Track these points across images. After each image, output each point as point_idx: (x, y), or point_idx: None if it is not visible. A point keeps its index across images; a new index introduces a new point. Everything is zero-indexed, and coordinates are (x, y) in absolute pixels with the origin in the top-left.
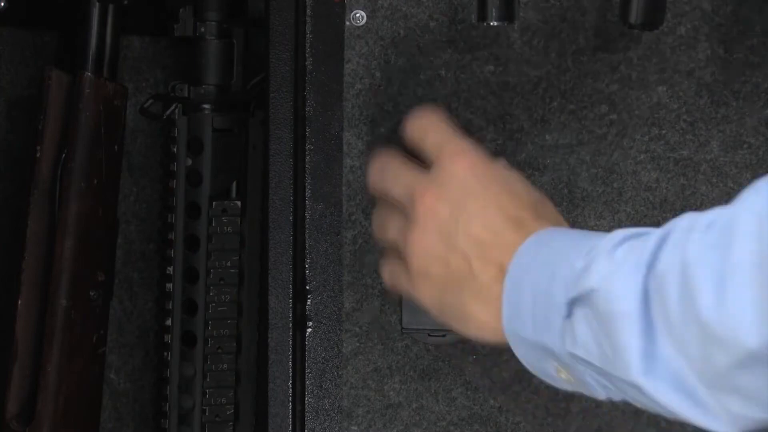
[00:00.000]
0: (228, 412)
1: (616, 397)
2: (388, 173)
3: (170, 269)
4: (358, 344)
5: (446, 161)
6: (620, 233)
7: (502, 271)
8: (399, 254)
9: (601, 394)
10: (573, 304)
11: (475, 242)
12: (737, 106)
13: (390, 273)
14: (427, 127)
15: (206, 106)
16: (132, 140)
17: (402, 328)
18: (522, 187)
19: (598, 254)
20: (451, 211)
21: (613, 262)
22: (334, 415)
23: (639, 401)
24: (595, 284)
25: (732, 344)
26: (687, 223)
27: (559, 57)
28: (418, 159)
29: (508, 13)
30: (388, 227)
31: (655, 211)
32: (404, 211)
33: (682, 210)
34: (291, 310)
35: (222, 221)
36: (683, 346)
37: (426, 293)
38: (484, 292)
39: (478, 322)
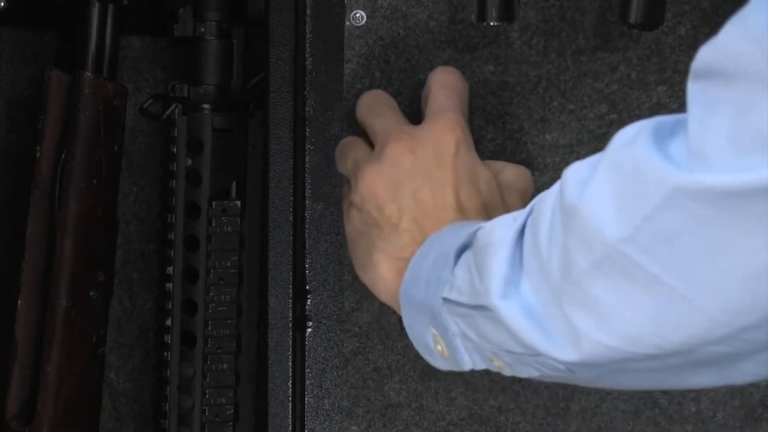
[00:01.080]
0: (228, 413)
1: (480, 362)
2: (376, 108)
3: (170, 269)
4: (358, 344)
5: (439, 125)
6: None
7: (424, 239)
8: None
9: (467, 362)
10: (461, 251)
11: (417, 204)
12: None
13: (342, 193)
14: (442, 85)
15: (206, 106)
16: (132, 140)
17: (402, 327)
18: (487, 187)
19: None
20: (413, 167)
21: (504, 217)
22: (334, 415)
23: (495, 344)
24: (482, 227)
25: (593, 238)
26: None
27: (558, 57)
28: None
29: (507, 13)
30: (349, 154)
31: None
32: (374, 146)
33: None
34: (291, 310)
35: (222, 221)
36: (545, 264)
37: (351, 226)
38: (397, 250)
39: (379, 273)
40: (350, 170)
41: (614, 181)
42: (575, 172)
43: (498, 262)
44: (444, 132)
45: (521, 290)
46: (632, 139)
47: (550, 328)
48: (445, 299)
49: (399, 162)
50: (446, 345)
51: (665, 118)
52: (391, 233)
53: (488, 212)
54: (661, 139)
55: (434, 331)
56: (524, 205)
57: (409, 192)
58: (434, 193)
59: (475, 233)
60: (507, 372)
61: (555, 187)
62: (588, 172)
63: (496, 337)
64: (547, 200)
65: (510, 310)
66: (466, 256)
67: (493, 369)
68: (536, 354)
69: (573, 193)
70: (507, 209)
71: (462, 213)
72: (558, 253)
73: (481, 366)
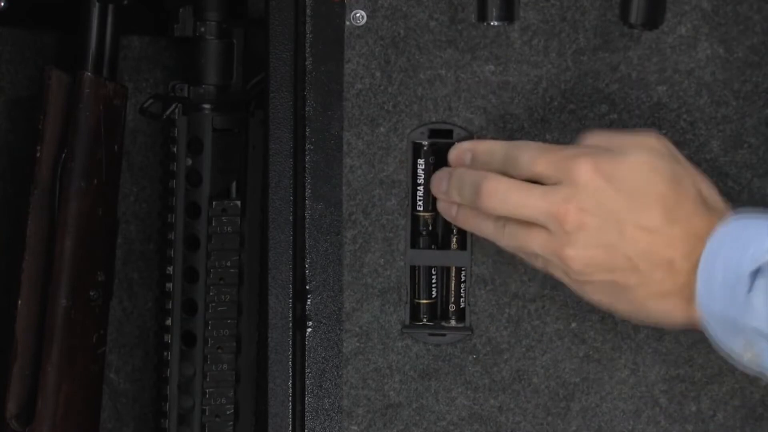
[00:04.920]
0: (228, 412)
1: None
2: (511, 196)
3: (170, 269)
4: (358, 344)
5: (566, 177)
6: None
7: (671, 266)
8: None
9: None
10: (755, 275)
11: (635, 247)
12: (737, 105)
13: (549, 269)
14: (526, 155)
15: (206, 105)
16: (132, 140)
17: (402, 327)
18: (661, 175)
19: None
20: (601, 222)
21: None
22: (334, 414)
23: None
24: None
25: None
26: None
27: (559, 56)
28: None
29: (508, 13)
30: (530, 243)
31: None
32: (547, 228)
33: None
34: (291, 310)
35: (222, 221)
36: None
37: (594, 296)
38: (658, 288)
39: (658, 313)
40: (547, 255)
41: None
42: None
43: None
44: (574, 174)
45: None
46: None
47: None
48: (754, 329)
49: (587, 228)
50: (756, 356)
51: None
52: (639, 283)
53: (702, 199)
54: None
55: (743, 342)
56: None
57: (619, 243)
58: (639, 226)
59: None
60: None
61: None
62: None
63: None
64: None
65: None
66: (763, 283)
67: None
68: None
69: None
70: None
71: (678, 221)
72: None
73: None
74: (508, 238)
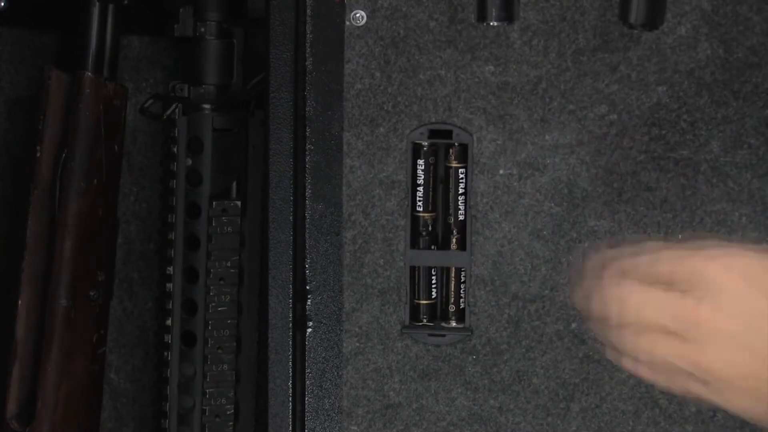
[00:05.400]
0: (228, 412)
1: None
2: (640, 304)
3: (170, 269)
4: (357, 344)
5: (696, 277)
6: None
7: None
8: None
9: None
10: None
11: None
12: (737, 106)
13: (687, 390)
14: (648, 258)
15: (206, 105)
16: (132, 140)
17: (402, 328)
18: None
19: None
20: (737, 322)
21: None
22: (334, 415)
23: None
24: None
25: None
26: None
27: (558, 57)
28: None
29: (507, 13)
30: (662, 352)
31: (655, 212)
32: (679, 334)
33: (682, 210)
34: (291, 310)
35: (222, 221)
36: None
37: (737, 402)
38: None
39: None
40: (692, 366)
41: None
42: None
43: None
44: (714, 278)
45: None
46: None
47: None
48: None
49: (728, 332)
50: None
51: None
52: None
53: None
54: None
55: None
56: None
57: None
58: None
59: None
60: None
61: None
62: None
63: None
64: None
65: None
66: None
67: None
68: None
69: None
70: None
71: None
72: None
73: None
74: (636, 347)
